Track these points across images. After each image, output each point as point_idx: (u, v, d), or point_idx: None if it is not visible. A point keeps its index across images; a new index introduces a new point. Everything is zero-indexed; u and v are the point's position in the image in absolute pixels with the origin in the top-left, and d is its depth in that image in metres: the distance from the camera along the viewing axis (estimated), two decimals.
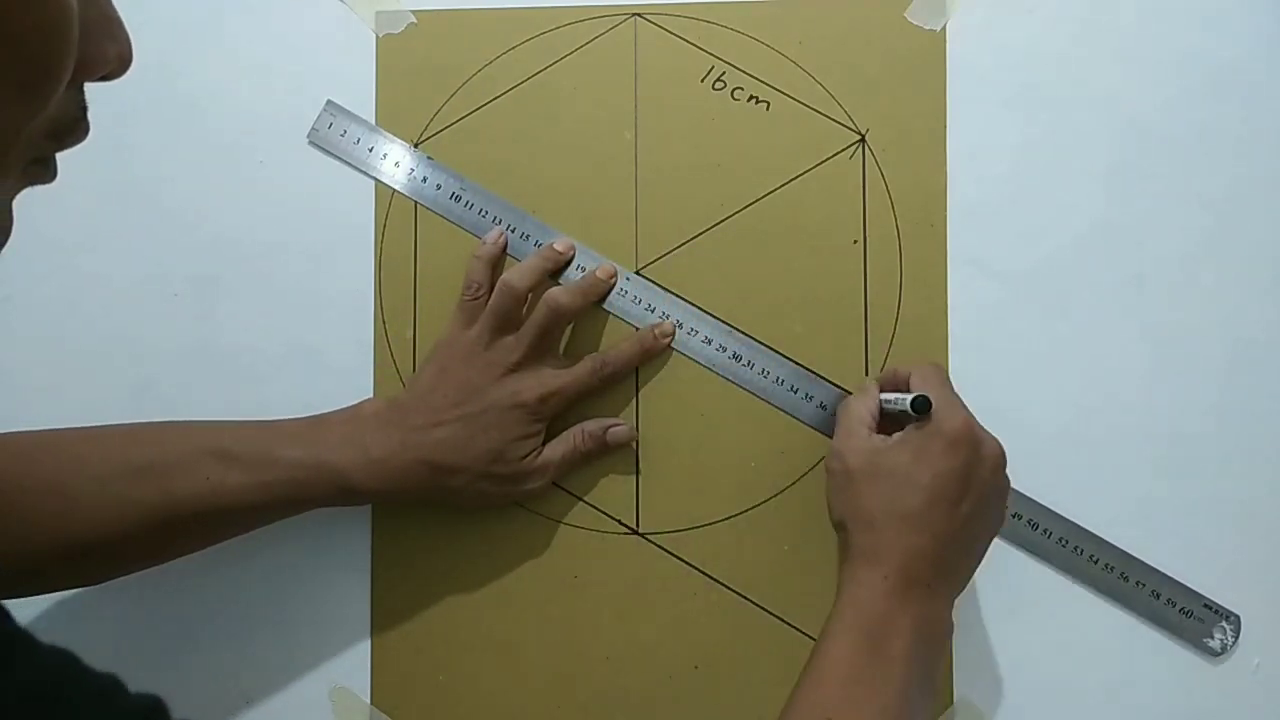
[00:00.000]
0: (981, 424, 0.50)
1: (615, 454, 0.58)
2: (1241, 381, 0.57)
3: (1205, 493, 0.57)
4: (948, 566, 0.49)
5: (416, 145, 0.61)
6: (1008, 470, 0.51)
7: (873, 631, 0.47)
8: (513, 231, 0.59)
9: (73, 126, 0.33)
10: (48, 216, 0.62)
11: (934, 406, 0.50)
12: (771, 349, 0.59)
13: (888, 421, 0.53)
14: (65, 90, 0.29)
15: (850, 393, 0.58)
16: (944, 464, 0.48)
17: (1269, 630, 0.56)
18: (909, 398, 0.50)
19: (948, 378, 0.53)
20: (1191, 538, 0.57)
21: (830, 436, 0.55)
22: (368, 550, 0.59)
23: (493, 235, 0.58)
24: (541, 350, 0.56)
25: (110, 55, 0.32)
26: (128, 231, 0.61)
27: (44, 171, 0.34)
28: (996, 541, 0.53)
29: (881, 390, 0.54)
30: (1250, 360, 0.57)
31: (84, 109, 0.33)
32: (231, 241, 0.61)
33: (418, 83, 0.61)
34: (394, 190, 0.60)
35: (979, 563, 0.51)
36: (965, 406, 0.51)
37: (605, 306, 0.59)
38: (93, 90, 0.65)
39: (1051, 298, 0.58)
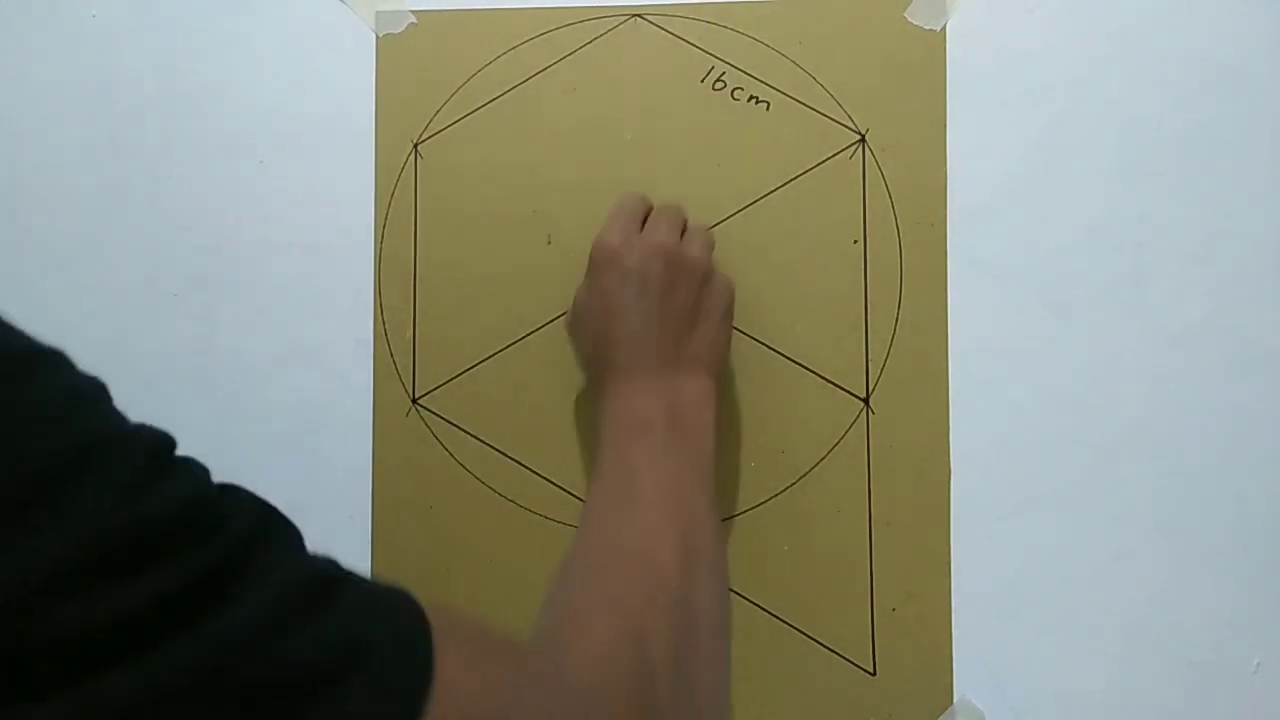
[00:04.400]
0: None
1: None
2: (1241, 381, 0.57)
3: (1205, 492, 0.57)
4: (632, 355, 0.51)
5: (416, 145, 0.61)
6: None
7: (628, 424, 0.50)
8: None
9: None
10: (48, 216, 0.62)
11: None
12: (772, 349, 0.59)
13: None
14: None
15: (851, 393, 0.58)
16: (600, 283, 0.52)
17: (1269, 630, 0.56)
18: None
19: (632, 204, 0.55)
20: (1191, 538, 0.57)
21: (833, 437, 0.55)
22: (368, 550, 0.59)
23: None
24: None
25: None
26: (127, 231, 0.61)
27: None
28: (995, 542, 0.53)
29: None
30: (1250, 360, 0.57)
31: None
32: (231, 241, 0.61)
33: (418, 83, 0.61)
34: (394, 190, 0.61)
35: (672, 333, 0.52)
36: (623, 227, 0.53)
37: None
38: (93, 91, 0.65)
39: (1051, 298, 0.58)
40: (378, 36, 0.61)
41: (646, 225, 0.54)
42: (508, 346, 0.60)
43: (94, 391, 0.32)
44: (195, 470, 0.32)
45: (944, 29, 0.59)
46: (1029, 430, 0.57)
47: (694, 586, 0.44)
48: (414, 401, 0.60)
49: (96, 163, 0.62)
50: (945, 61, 0.59)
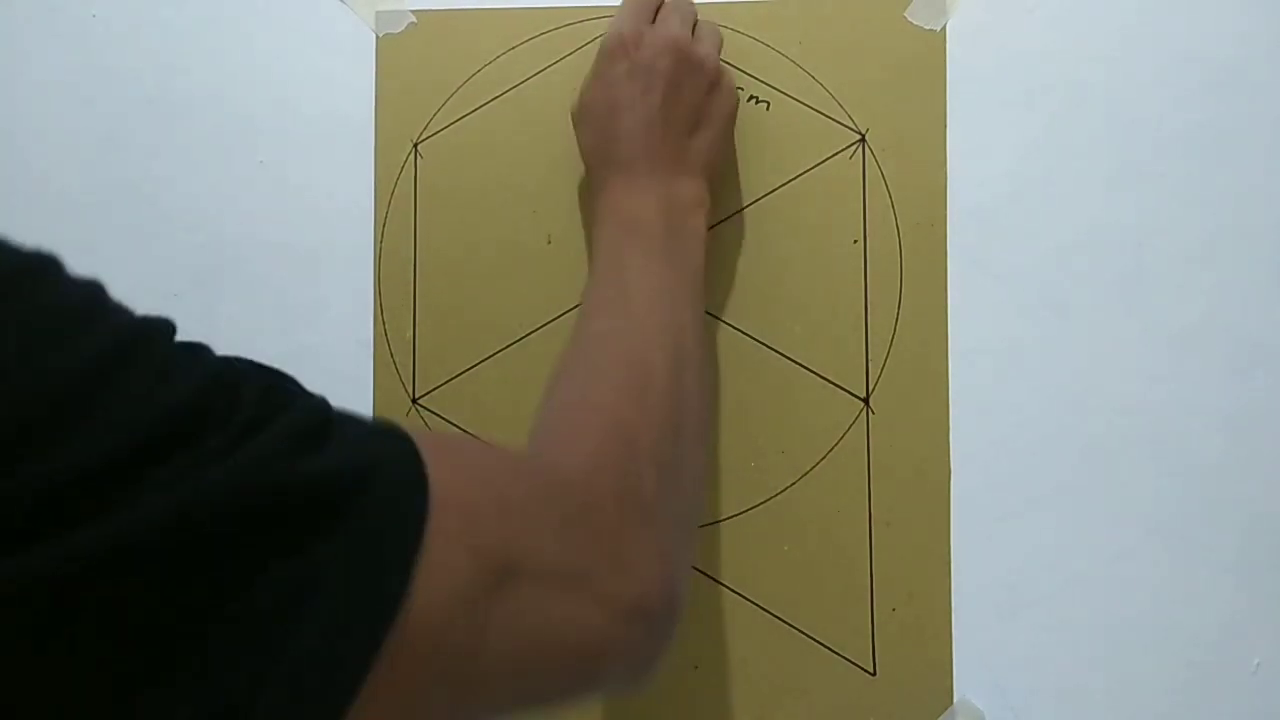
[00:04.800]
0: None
1: None
2: (1241, 381, 0.57)
3: (1205, 492, 0.57)
4: (643, 153, 0.52)
5: (416, 145, 0.61)
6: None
7: (625, 221, 0.51)
8: None
9: None
10: (47, 216, 0.62)
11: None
12: (772, 349, 0.59)
13: None
14: None
15: (851, 393, 0.58)
16: (608, 74, 0.52)
17: (1269, 630, 0.56)
18: None
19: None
20: (1191, 538, 0.57)
21: (833, 437, 0.56)
22: None
23: None
24: None
25: None
26: (127, 231, 0.61)
27: None
28: (995, 542, 0.53)
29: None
30: (1250, 360, 0.57)
31: None
32: (231, 241, 0.61)
33: (418, 83, 0.61)
34: (394, 190, 0.61)
35: (672, 133, 0.52)
36: (635, 14, 0.53)
37: None
38: (93, 91, 0.65)
39: (1051, 298, 0.58)
40: (378, 36, 0.61)
41: (659, 18, 0.54)
42: (508, 346, 0.60)
43: (96, 293, 0.33)
44: (205, 352, 0.33)
45: (944, 29, 0.59)
46: (1029, 430, 0.57)
47: (682, 388, 0.45)
48: (414, 401, 0.60)
49: (96, 163, 0.62)
50: (945, 61, 0.59)
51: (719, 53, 0.54)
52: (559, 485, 0.37)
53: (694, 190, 0.52)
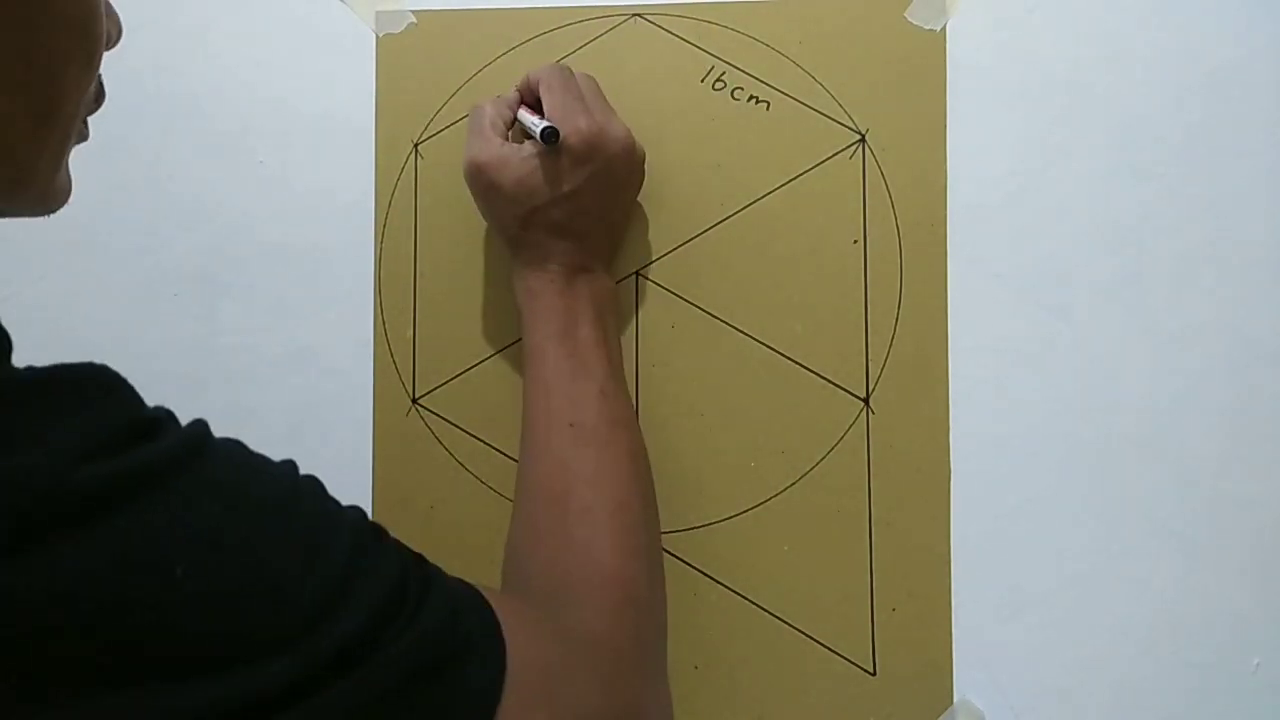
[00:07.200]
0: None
1: None
2: (1241, 381, 0.57)
3: (1205, 492, 0.57)
4: (600, 251, 0.56)
5: (416, 145, 0.61)
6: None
7: (564, 329, 0.53)
8: None
9: (100, 92, 0.41)
10: (47, 216, 0.62)
11: (560, 132, 0.51)
12: (772, 349, 0.59)
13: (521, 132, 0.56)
14: None
15: (851, 393, 0.58)
16: (576, 178, 0.52)
17: (1269, 630, 0.56)
18: (540, 126, 0.51)
19: (571, 81, 0.55)
20: (1190, 537, 0.57)
21: (833, 437, 0.55)
22: None
23: None
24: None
25: (113, 30, 0.40)
26: (127, 231, 0.61)
27: (85, 130, 0.43)
28: (995, 542, 0.53)
29: (522, 102, 0.56)
30: (1250, 360, 0.57)
31: (100, 77, 0.41)
32: (231, 241, 0.61)
33: (418, 83, 0.61)
34: (394, 190, 0.61)
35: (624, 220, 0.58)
36: (589, 109, 0.53)
37: None
38: None
39: (1051, 298, 0.58)
40: (378, 36, 0.61)
41: (600, 108, 0.55)
42: (508, 346, 0.60)
43: (289, 476, 0.40)
44: (390, 551, 0.38)
45: (944, 29, 0.59)
46: (1029, 430, 0.57)
47: (654, 524, 0.52)
48: (414, 401, 0.60)
49: (96, 162, 0.62)
50: (945, 61, 0.59)
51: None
52: (590, 646, 0.43)
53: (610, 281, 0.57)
